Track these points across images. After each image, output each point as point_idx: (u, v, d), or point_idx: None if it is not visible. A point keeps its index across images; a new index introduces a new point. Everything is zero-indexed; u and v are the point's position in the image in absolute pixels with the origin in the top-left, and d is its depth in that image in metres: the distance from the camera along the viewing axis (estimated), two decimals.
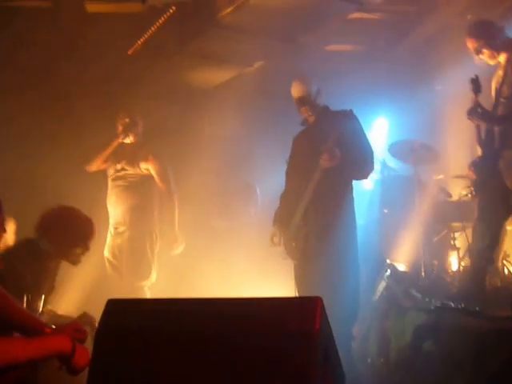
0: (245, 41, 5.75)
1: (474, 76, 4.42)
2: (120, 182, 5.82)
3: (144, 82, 6.55)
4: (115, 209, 5.81)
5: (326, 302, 2.33)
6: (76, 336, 2.41)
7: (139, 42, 6.13)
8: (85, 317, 3.50)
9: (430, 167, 6.16)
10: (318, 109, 4.75)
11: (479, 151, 4.47)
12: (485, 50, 4.57)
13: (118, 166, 5.83)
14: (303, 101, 4.71)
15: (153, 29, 5.87)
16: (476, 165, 4.50)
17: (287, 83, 6.22)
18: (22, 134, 6.18)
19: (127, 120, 5.82)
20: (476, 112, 4.37)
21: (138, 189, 5.78)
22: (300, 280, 4.67)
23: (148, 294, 5.58)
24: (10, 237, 5.98)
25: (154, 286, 5.72)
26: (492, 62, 4.62)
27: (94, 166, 5.86)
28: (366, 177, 4.79)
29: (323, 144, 4.49)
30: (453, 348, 3.76)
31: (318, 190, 4.50)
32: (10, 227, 5.91)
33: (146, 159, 5.81)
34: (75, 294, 5.41)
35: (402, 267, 5.35)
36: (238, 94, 6.56)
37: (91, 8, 5.96)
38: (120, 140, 5.82)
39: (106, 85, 6.53)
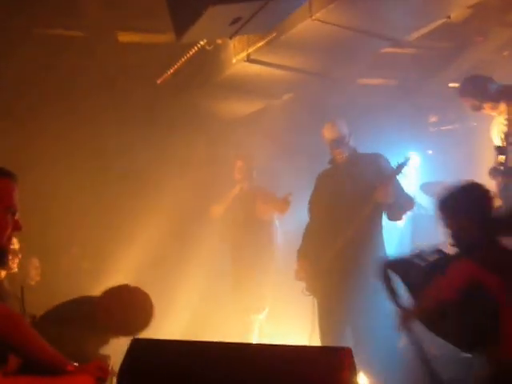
0: (274, 73, 5.69)
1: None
2: (240, 223, 6.07)
3: (171, 111, 6.54)
4: (236, 250, 6.07)
5: (356, 347, 2.23)
6: (98, 374, 2.39)
7: (169, 72, 6.12)
8: (98, 357, 3.40)
9: None
10: (349, 150, 4.78)
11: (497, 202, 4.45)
12: (485, 105, 4.65)
13: (238, 209, 6.11)
14: (338, 143, 4.76)
15: (183, 59, 5.86)
16: None
17: (316, 116, 6.18)
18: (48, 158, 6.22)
19: (244, 166, 6.16)
20: (499, 170, 4.46)
21: (258, 227, 6.04)
22: (326, 319, 4.57)
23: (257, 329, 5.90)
24: (32, 272, 6.02)
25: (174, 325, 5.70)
26: (494, 113, 4.63)
27: (216, 213, 6.20)
28: (401, 219, 4.91)
29: (351, 186, 4.53)
30: None
31: (361, 229, 4.52)
32: (33, 263, 5.94)
33: (264, 200, 6.05)
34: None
35: None
36: (265, 126, 6.50)
37: (123, 38, 6.01)
38: (239, 186, 6.16)
39: (134, 114, 6.53)
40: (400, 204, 4.59)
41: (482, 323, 2.78)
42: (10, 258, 4.56)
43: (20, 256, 5.09)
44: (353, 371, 2.24)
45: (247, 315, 5.89)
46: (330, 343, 4.51)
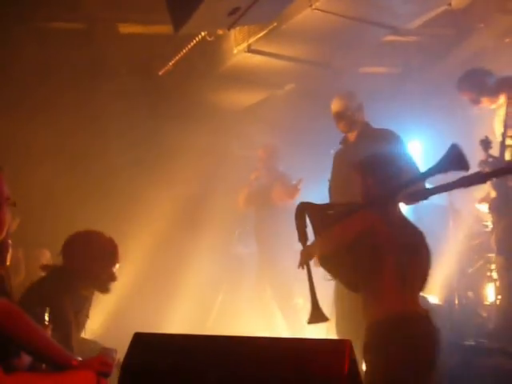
0: (276, 64, 5.67)
1: (483, 137, 4.47)
2: (258, 209, 6.17)
3: (173, 102, 6.53)
4: (257, 236, 6.10)
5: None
6: (101, 369, 2.39)
7: (170, 63, 6.11)
8: (105, 351, 3.41)
9: (464, 195, 5.96)
10: (358, 125, 4.56)
11: (493, 193, 4.59)
12: (482, 99, 4.62)
13: (261, 200, 6.16)
14: (341, 115, 4.54)
15: (184, 50, 5.85)
16: (491, 206, 4.63)
17: (318, 105, 6.14)
18: (54, 154, 6.22)
19: (264, 155, 6.20)
20: (487, 162, 4.46)
21: (277, 214, 6.03)
22: (340, 301, 4.50)
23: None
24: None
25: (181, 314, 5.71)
26: (493, 106, 4.60)
27: (239, 203, 6.28)
28: (417, 201, 4.64)
29: None
30: None
31: None
32: (45, 256, 5.94)
33: (280, 187, 6.06)
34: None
35: (434, 300, 5.15)
36: (268, 116, 6.48)
37: (124, 29, 5.99)
38: (255, 174, 6.23)
39: (136, 106, 6.51)
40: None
41: (367, 266, 3.14)
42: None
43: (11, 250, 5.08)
44: (353, 363, 2.23)
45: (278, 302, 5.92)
46: (344, 329, 4.41)
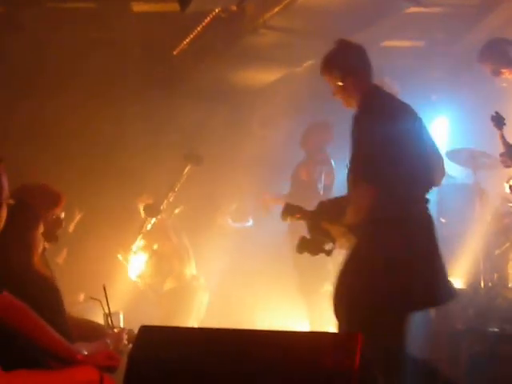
0: (294, 40, 5.51)
1: (493, 113, 4.28)
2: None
3: (190, 82, 6.40)
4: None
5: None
6: (108, 364, 2.36)
7: (185, 42, 5.97)
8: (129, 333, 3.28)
9: (491, 174, 5.73)
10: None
11: None
12: (503, 70, 4.35)
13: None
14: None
15: (199, 29, 5.71)
16: None
17: None
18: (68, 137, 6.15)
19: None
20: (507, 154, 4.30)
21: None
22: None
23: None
24: None
25: None
26: None
27: None
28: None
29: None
30: None
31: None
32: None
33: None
34: None
35: (458, 283, 4.98)
36: (287, 94, 6.29)
37: (137, 7, 5.86)
38: None
39: (151, 86, 6.40)
40: None
41: None
42: None
43: None
44: (364, 357, 2.13)
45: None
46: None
